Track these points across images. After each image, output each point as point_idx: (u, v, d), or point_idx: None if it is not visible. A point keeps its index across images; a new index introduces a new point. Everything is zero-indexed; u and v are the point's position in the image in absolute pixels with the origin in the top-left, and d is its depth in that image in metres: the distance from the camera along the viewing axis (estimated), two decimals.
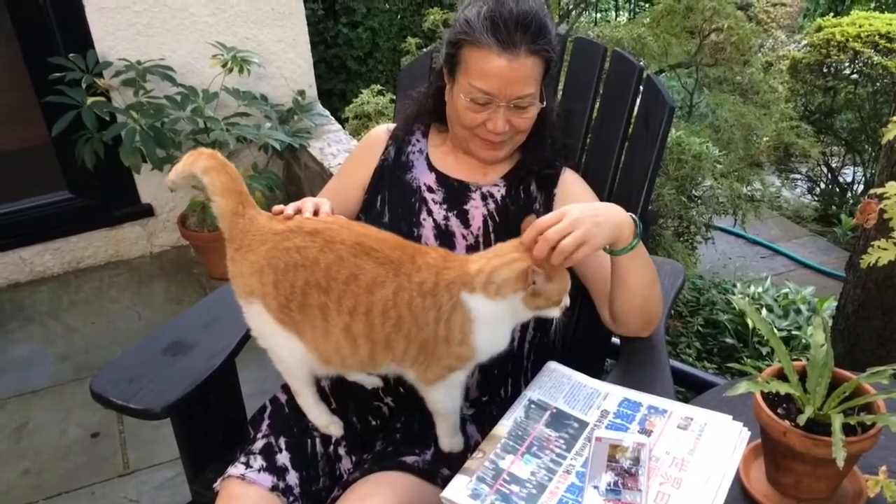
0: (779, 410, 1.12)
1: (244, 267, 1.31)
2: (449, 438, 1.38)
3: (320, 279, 1.25)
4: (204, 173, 1.31)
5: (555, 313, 1.27)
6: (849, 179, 4.38)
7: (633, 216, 1.36)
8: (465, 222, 1.53)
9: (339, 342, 1.28)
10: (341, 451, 1.46)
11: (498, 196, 1.54)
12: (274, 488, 1.34)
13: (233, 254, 1.33)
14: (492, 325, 1.26)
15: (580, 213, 1.25)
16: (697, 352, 2.68)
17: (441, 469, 1.34)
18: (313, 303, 1.26)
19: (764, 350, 2.61)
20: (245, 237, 1.30)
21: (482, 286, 1.23)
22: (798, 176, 4.46)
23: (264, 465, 1.36)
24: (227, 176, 1.31)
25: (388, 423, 1.47)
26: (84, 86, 3.00)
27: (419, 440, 1.40)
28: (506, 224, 1.53)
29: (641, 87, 1.62)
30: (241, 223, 1.31)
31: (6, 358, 2.96)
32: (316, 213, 1.35)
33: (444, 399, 1.34)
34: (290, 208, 1.35)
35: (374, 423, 1.50)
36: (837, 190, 4.40)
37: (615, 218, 1.32)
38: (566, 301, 1.28)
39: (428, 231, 1.53)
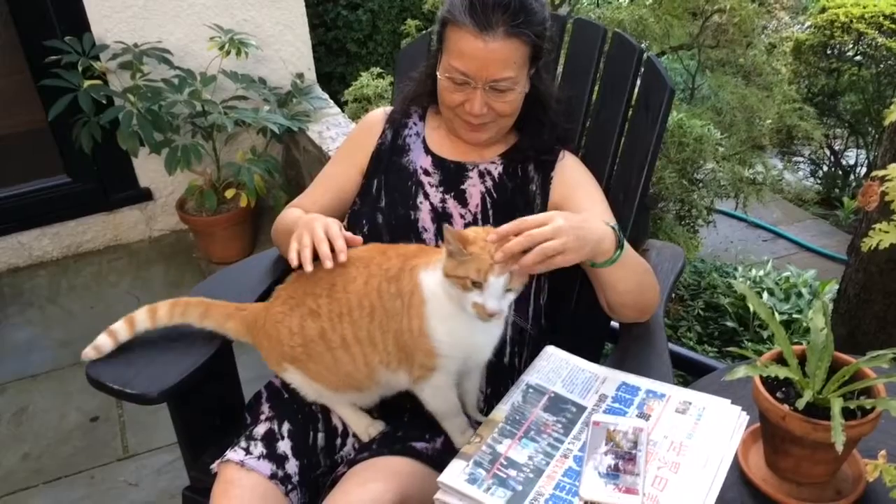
0: (778, 394, 1.11)
1: (264, 343, 1.42)
2: (459, 437, 1.35)
3: (310, 304, 1.34)
4: (203, 320, 1.46)
5: (465, 304, 1.18)
6: (851, 162, 4.35)
7: (615, 227, 1.33)
8: (463, 202, 1.52)
9: (345, 364, 1.33)
10: (348, 444, 1.45)
11: (495, 173, 1.53)
12: (273, 476, 1.33)
13: (259, 347, 1.45)
14: (440, 305, 1.23)
15: (565, 222, 1.21)
16: (698, 335, 2.67)
17: (447, 458, 1.33)
18: (312, 334, 1.34)
19: (765, 334, 2.60)
20: (256, 322, 1.44)
21: (434, 264, 1.24)
22: (800, 159, 4.43)
23: (264, 452, 1.36)
24: (199, 306, 1.47)
25: (395, 406, 1.46)
26: (81, 69, 2.98)
27: (430, 426, 1.38)
28: (503, 201, 1.52)
29: (642, 69, 1.60)
30: (249, 317, 1.45)
31: (5, 343, 2.96)
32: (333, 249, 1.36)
33: (432, 401, 1.33)
34: (306, 256, 1.34)
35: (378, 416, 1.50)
36: (840, 173, 4.37)
37: (597, 232, 1.28)
38: (485, 300, 1.16)
39: (425, 214, 1.52)
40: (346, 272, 1.33)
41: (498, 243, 1.17)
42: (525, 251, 1.16)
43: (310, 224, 1.39)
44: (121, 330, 1.45)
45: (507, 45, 1.38)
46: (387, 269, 1.30)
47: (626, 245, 1.35)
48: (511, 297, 1.20)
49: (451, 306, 1.22)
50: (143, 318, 1.45)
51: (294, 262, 1.34)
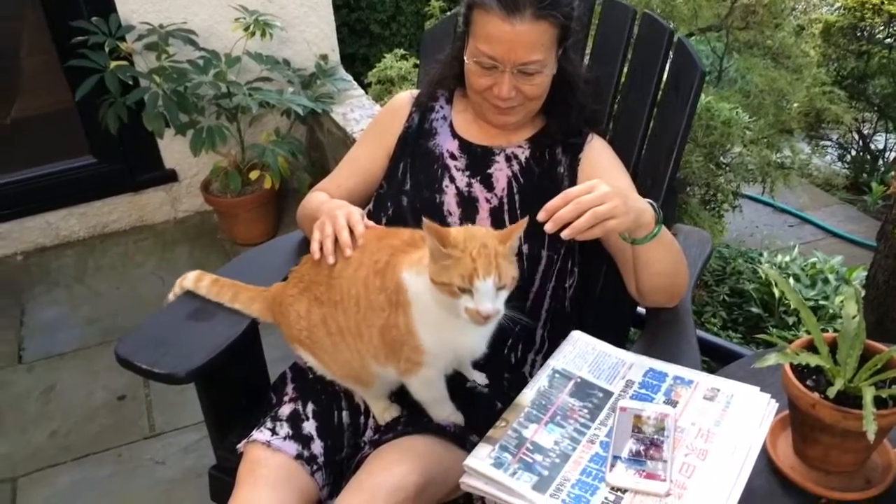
0: (808, 382, 1.10)
1: (282, 321, 1.43)
2: (446, 419, 1.36)
3: (315, 291, 1.34)
4: (233, 302, 1.50)
5: (458, 309, 1.14)
6: (881, 146, 4.28)
7: (653, 203, 1.33)
8: (489, 186, 1.51)
9: (342, 353, 1.34)
10: (371, 423, 1.45)
11: (522, 158, 1.52)
12: (299, 456, 1.34)
13: (280, 326, 1.46)
14: (425, 308, 1.20)
15: (610, 189, 1.22)
16: (723, 321, 2.65)
17: (470, 435, 1.34)
18: (316, 320, 1.35)
19: (790, 320, 2.57)
20: (275, 301, 1.45)
21: (417, 263, 1.20)
22: (828, 143, 4.36)
23: (290, 432, 1.37)
24: (219, 285, 1.52)
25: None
26: (107, 50, 2.99)
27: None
28: (530, 186, 1.51)
29: (672, 51, 1.58)
30: (269, 294, 1.47)
31: (33, 321, 3.00)
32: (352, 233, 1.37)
33: (420, 393, 1.34)
34: (329, 246, 1.35)
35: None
36: (868, 157, 4.30)
37: (638, 204, 1.28)
38: (477, 304, 1.12)
39: (450, 198, 1.51)
40: (346, 258, 1.33)
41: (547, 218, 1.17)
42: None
43: (332, 212, 1.39)
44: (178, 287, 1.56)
45: (535, 28, 1.36)
46: (375, 260, 1.27)
47: (663, 228, 1.34)
48: (504, 294, 1.16)
49: (438, 310, 1.19)
50: (191, 279, 1.54)
51: (316, 255, 1.35)
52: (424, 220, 1.12)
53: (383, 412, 1.42)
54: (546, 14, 1.36)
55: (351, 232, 1.35)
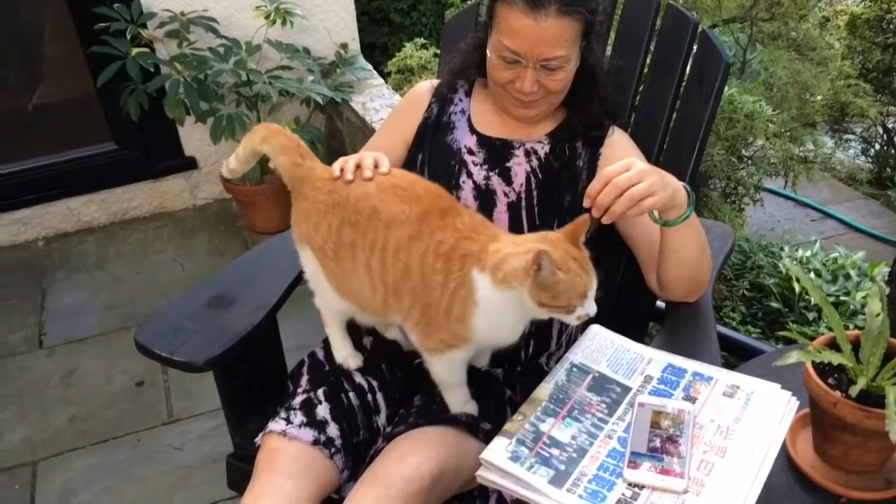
0: (830, 380, 1.09)
1: (298, 213, 1.39)
2: (459, 407, 1.36)
3: (350, 215, 1.30)
4: (262, 143, 1.41)
5: (569, 319, 1.19)
6: None
7: (686, 185, 1.32)
8: (508, 179, 1.50)
9: (362, 283, 1.31)
10: (379, 401, 1.46)
11: (542, 153, 1.51)
12: (315, 442, 1.34)
13: (293, 202, 1.41)
14: (494, 313, 1.21)
15: (646, 166, 1.24)
16: (742, 315, 2.63)
17: (482, 423, 1.34)
18: (346, 241, 1.31)
19: (810, 315, 2.55)
20: (303, 186, 1.38)
21: (491, 269, 1.18)
22: (852, 136, 4.31)
23: (304, 420, 1.37)
24: (284, 136, 1.41)
25: (424, 378, 1.47)
26: (129, 37, 3.00)
27: None
28: (549, 180, 1.50)
29: (696, 43, 1.56)
30: (300, 172, 1.39)
31: (54, 306, 3.03)
32: (376, 167, 1.34)
33: (443, 373, 1.33)
34: (349, 166, 1.33)
35: (402, 376, 1.50)
36: (893, 152, 4.25)
37: (673, 182, 1.29)
38: (588, 310, 1.18)
39: (467, 192, 1.51)
40: (395, 205, 1.27)
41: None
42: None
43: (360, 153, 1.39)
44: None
45: (559, 24, 1.35)
46: (439, 241, 1.24)
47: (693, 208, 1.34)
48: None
49: (508, 313, 1.21)
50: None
51: (336, 173, 1.34)
52: (543, 250, 1.11)
53: (346, 358, 1.49)
54: (571, 10, 1.35)
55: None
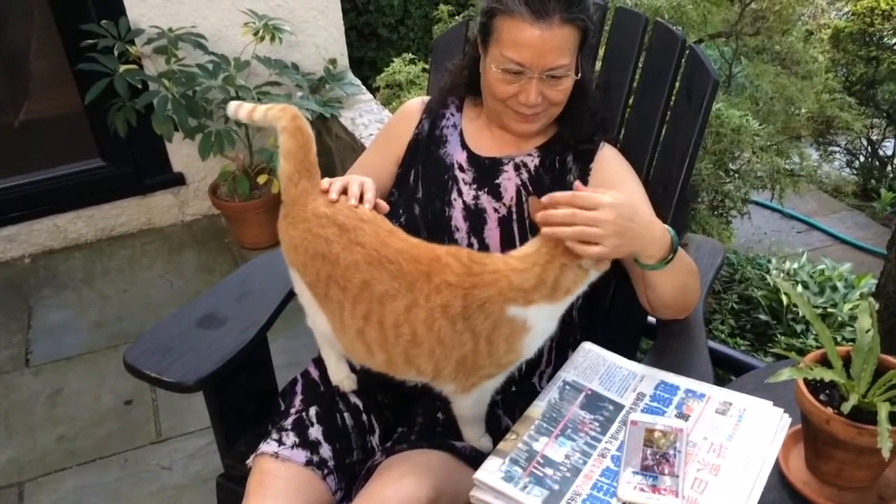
0: (821, 397, 1.09)
1: (286, 238, 1.33)
2: (477, 441, 1.36)
3: (339, 278, 1.24)
4: (280, 131, 1.33)
5: (602, 268, 1.25)
6: (889, 153, 4.26)
7: (672, 232, 1.31)
8: (497, 196, 1.50)
9: (354, 343, 1.27)
10: (374, 420, 1.45)
11: (532, 166, 1.51)
12: (308, 463, 1.33)
13: (281, 219, 1.35)
14: (548, 324, 1.24)
15: (617, 214, 1.18)
16: (731, 329, 2.64)
17: (485, 459, 1.33)
18: (333, 298, 1.26)
19: (798, 327, 2.56)
20: (293, 208, 1.32)
21: (548, 296, 1.19)
22: (836, 149, 4.35)
23: (297, 440, 1.36)
24: (295, 141, 1.32)
25: (420, 398, 1.46)
26: (116, 53, 2.99)
27: None
28: (540, 194, 1.50)
29: (683, 60, 1.57)
30: (293, 192, 1.32)
31: (40, 324, 3.00)
32: (361, 197, 1.31)
33: (474, 406, 1.32)
34: (336, 187, 1.31)
35: (394, 398, 1.49)
36: (877, 163, 4.29)
37: (648, 236, 1.26)
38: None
39: (457, 213, 1.50)
40: (385, 281, 1.21)
41: (545, 206, 1.19)
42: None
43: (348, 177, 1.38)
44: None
45: (563, 32, 1.35)
46: (443, 305, 1.19)
47: (680, 250, 1.32)
48: None
49: (557, 315, 1.25)
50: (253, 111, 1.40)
51: (324, 186, 1.32)
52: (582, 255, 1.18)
53: (342, 381, 1.45)
54: (573, 17, 1.35)
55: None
